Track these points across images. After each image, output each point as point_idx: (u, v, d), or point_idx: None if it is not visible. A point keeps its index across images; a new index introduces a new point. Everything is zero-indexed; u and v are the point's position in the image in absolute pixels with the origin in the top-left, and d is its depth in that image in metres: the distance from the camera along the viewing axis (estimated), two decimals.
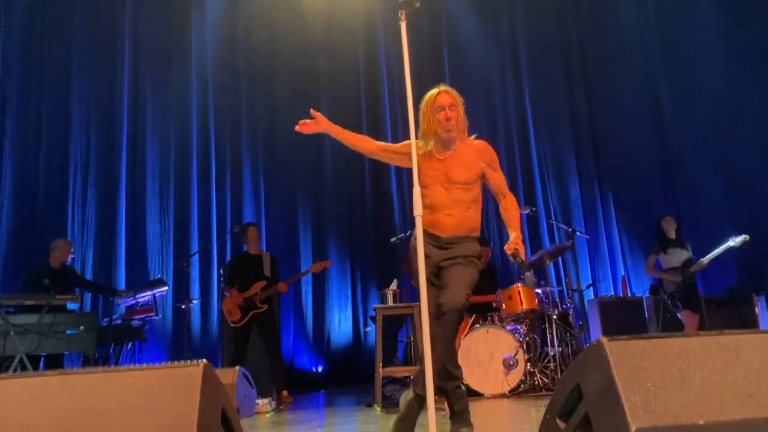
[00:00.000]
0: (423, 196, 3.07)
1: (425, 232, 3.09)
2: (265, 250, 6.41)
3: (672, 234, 6.14)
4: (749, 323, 6.78)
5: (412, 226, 2.79)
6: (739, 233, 6.00)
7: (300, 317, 7.93)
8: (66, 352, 5.42)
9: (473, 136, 3.24)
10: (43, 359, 5.39)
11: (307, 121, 3.26)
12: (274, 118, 8.34)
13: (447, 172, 3.10)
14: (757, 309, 6.97)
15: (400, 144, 3.26)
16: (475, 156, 3.14)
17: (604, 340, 1.78)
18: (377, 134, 8.49)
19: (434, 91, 3.17)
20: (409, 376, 5.34)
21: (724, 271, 8.37)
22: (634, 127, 9.02)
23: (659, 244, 6.18)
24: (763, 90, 8.73)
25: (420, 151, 3.16)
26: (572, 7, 9.34)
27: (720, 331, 1.96)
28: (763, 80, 8.73)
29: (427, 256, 3.02)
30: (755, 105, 8.70)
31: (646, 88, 9.18)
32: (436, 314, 2.96)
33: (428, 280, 3.00)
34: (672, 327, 6.18)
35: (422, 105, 3.16)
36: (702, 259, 6.07)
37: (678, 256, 6.06)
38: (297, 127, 3.26)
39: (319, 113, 3.24)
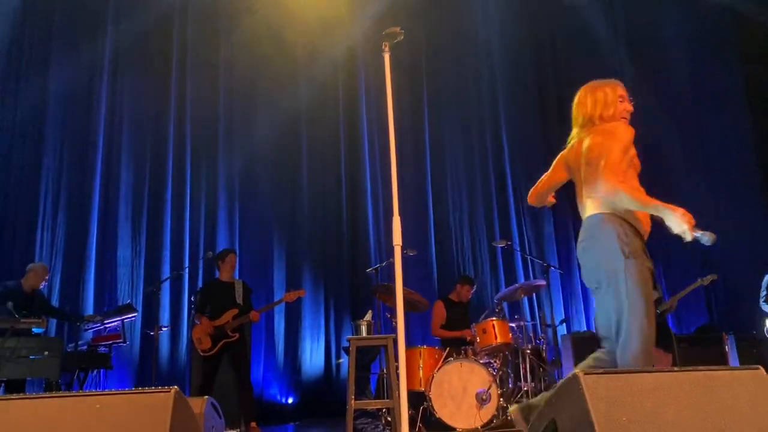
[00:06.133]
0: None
1: (641, 232, 2.83)
2: (238, 277, 6.33)
3: None
4: (719, 361, 6.84)
5: (389, 256, 2.77)
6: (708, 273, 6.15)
7: (271, 347, 7.80)
8: (28, 378, 5.25)
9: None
10: (3, 385, 5.21)
11: None
12: (251, 145, 8.32)
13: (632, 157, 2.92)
14: (726, 347, 7.06)
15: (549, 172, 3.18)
16: None
17: (579, 374, 1.78)
18: (354, 160, 8.56)
19: (611, 80, 3.06)
20: (381, 409, 5.27)
21: (695, 311, 8.52)
22: None
23: None
24: (732, 140, 9.02)
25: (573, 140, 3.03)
26: (548, 45, 9.58)
27: (693, 368, 1.98)
28: (732, 128, 9.03)
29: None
30: (725, 153, 8.98)
31: None
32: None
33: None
34: None
35: (598, 90, 3.04)
36: (672, 298, 6.17)
37: None
38: None
39: None
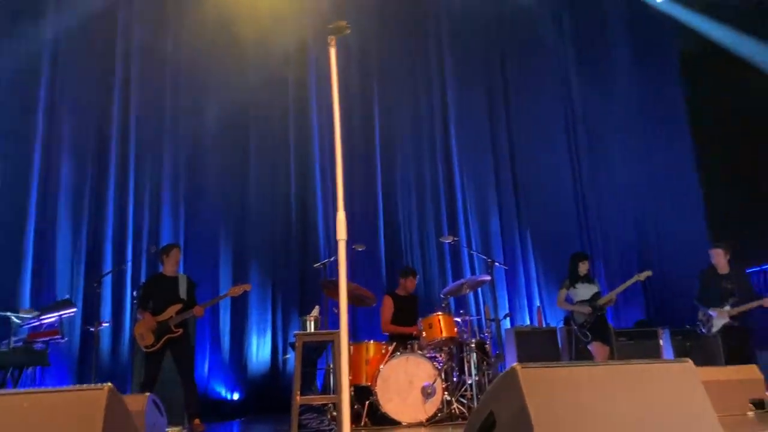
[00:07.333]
0: None
1: None
2: (182, 272, 6.21)
3: (584, 271, 6.46)
4: (654, 355, 7.16)
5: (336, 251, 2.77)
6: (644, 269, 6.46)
7: (216, 343, 7.69)
8: None
9: None
10: None
11: None
12: (198, 138, 8.16)
13: None
14: (661, 342, 7.39)
15: None
16: None
17: (517, 367, 1.83)
18: (304, 154, 8.51)
19: None
20: (326, 404, 5.27)
21: (633, 306, 8.88)
22: (553, 168, 9.46)
23: (570, 279, 6.49)
24: (675, 154, 9.44)
25: None
26: (497, 46, 9.72)
27: (627, 361, 2.06)
28: (675, 145, 9.46)
29: None
30: (669, 166, 9.41)
31: (565, 134, 9.66)
32: None
33: None
34: (584, 357, 6.43)
35: None
36: (610, 293, 6.44)
37: (588, 290, 6.38)
38: None
39: None
